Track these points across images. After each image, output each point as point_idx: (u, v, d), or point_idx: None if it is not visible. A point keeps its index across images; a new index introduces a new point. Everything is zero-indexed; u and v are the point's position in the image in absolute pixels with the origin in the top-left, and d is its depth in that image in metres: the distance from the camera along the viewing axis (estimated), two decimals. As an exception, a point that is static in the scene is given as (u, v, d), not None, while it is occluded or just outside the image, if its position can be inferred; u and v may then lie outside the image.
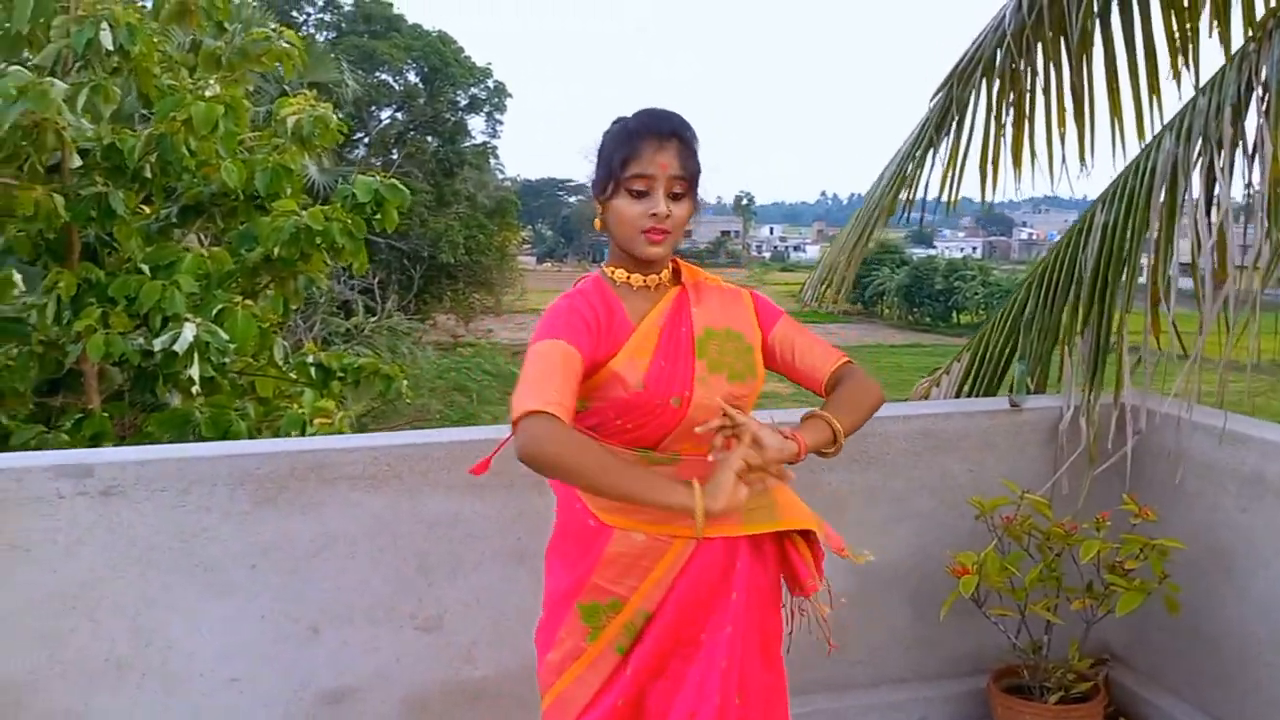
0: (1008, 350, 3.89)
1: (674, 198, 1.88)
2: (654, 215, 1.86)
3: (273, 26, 6.68)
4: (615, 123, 1.95)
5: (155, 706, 2.61)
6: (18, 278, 6.38)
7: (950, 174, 4.10)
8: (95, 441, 6.04)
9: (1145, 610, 2.83)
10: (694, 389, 1.89)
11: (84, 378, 6.20)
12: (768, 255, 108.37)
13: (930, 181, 4.14)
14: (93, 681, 2.56)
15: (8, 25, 5.29)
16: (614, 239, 1.95)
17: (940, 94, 4.14)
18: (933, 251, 69.69)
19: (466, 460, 2.68)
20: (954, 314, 53.74)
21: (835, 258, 4.43)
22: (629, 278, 1.97)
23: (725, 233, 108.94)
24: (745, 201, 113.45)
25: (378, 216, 6.39)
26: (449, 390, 17.26)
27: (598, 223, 1.96)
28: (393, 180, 6.54)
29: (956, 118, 4.03)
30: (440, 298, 26.17)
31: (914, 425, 3.16)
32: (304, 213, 5.90)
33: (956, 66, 4.11)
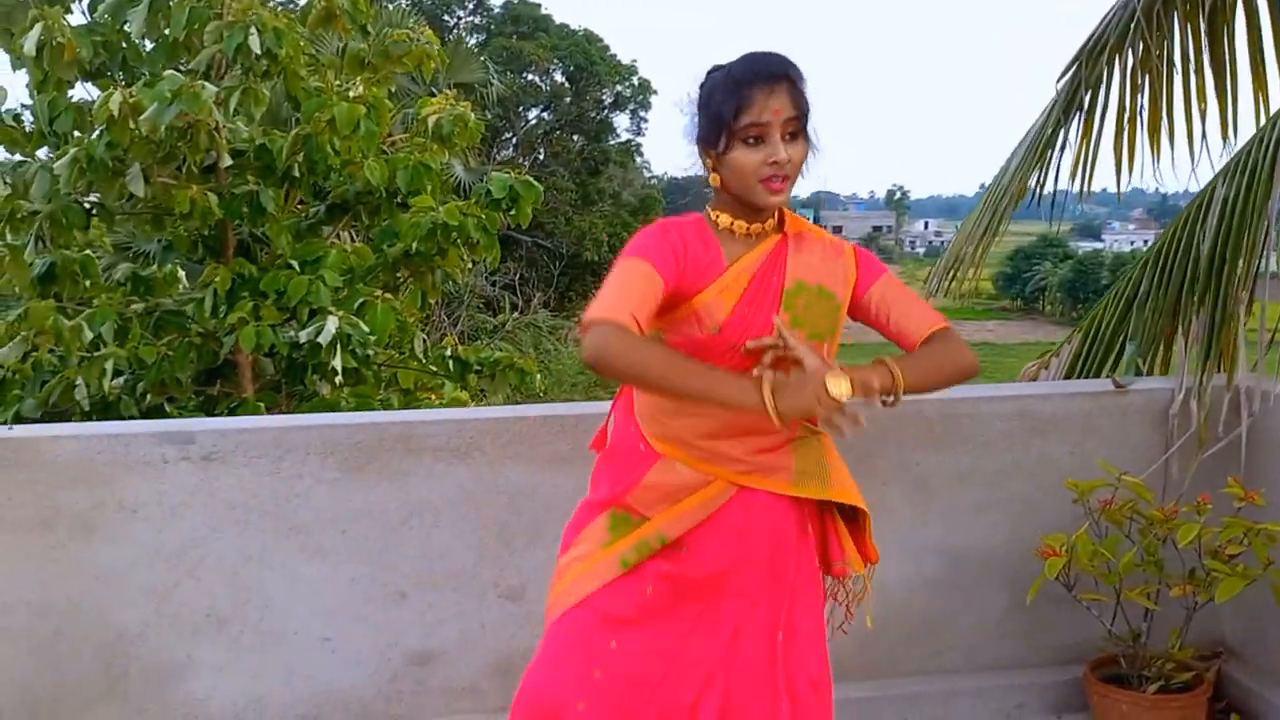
0: (1120, 331, 3.64)
1: (790, 139, 1.82)
2: (775, 163, 1.80)
3: (412, 27, 6.85)
4: (713, 71, 1.89)
5: (252, 660, 2.73)
6: (181, 273, 6.80)
7: (1082, 159, 3.85)
8: (248, 429, 6.38)
9: (1260, 602, 2.64)
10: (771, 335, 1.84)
11: (239, 368, 6.54)
12: (922, 251, 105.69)
13: (1062, 166, 3.91)
14: (195, 634, 2.69)
15: (166, 32, 5.59)
16: (729, 190, 1.88)
17: (1067, 75, 3.89)
18: (1099, 245, 66.34)
19: (544, 435, 2.79)
20: (1121, 310, 51.03)
21: (962, 247, 4.22)
22: (732, 224, 1.90)
23: (877, 228, 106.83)
24: (898, 195, 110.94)
25: (512, 212, 6.49)
26: (591, 386, 17.44)
27: (714, 178, 1.89)
28: (527, 177, 6.63)
29: (1088, 98, 3.78)
30: (585, 295, 26.54)
31: (1010, 406, 3.03)
32: (441, 209, 6.03)
33: (1084, 46, 3.86)
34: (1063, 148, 3.97)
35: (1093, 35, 3.84)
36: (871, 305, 1.97)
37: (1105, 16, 3.84)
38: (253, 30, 5.42)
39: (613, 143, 28.91)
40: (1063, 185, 4.00)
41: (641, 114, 29.76)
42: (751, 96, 1.78)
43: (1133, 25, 3.64)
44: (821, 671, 2.01)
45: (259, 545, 2.69)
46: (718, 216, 1.91)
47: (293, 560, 2.72)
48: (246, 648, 2.72)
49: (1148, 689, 2.77)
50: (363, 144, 5.96)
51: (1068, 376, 3.85)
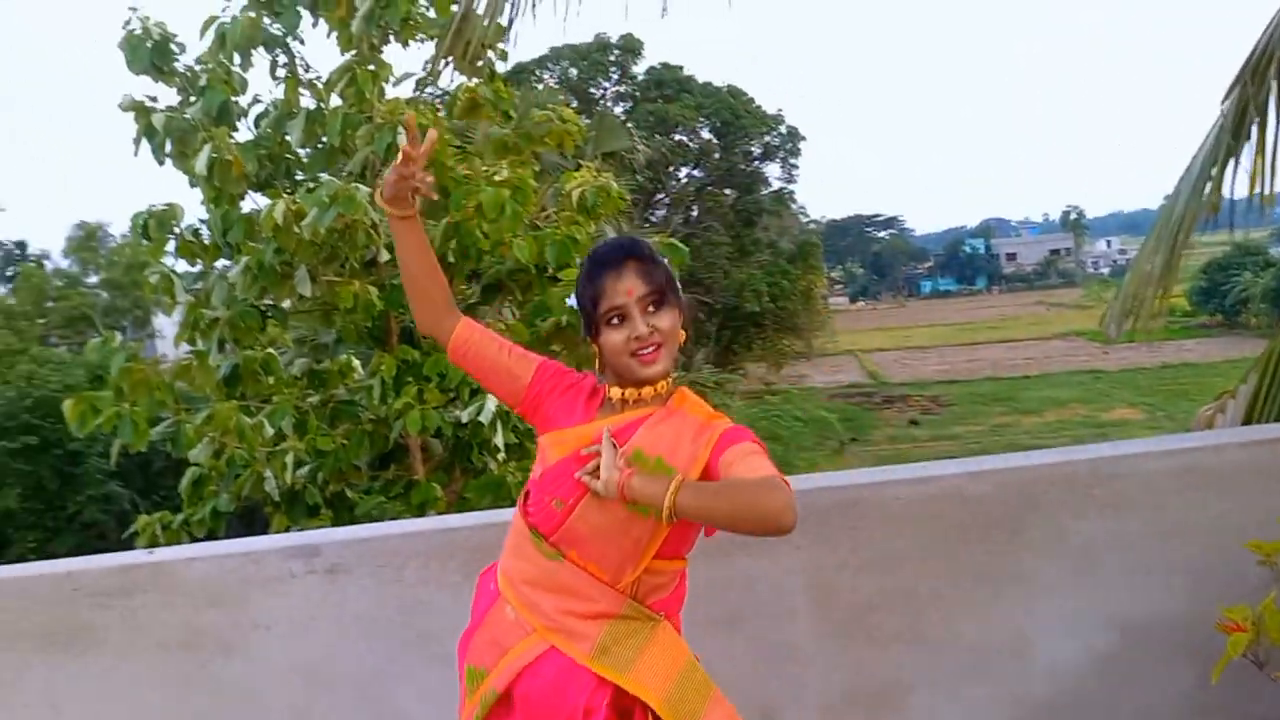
0: None
1: (651, 312, 1.89)
2: (638, 339, 1.88)
3: (553, 107, 7.04)
4: (582, 271, 2.01)
5: None
6: (356, 363, 7.15)
7: (1261, 168, 3.52)
8: (422, 509, 6.59)
9: None
10: (580, 503, 1.88)
11: (409, 450, 6.79)
12: (1106, 270, 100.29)
13: (1228, 185, 3.58)
14: None
15: (324, 140, 5.94)
16: (613, 369, 1.95)
17: (1234, 93, 3.58)
18: (1303, 247, 61.22)
19: None
20: (1336, 315, 46.78)
21: (1140, 288, 3.91)
22: (621, 393, 1.95)
23: (1054, 251, 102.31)
24: (1075, 215, 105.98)
25: (658, 276, 6.51)
26: (763, 438, 17.27)
27: (596, 362, 1.99)
28: (672, 240, 6.67)
29: (1258, 117, 3.46)
30: (749, 346, 26.44)
31: (1177, 461, 2.72)
32: (587, 280, 6.12)
33: (1248, 61, 3.55)
34: (1237, 157, 3.66)
35: (1256, 47, 3.54)
36: (720, 472, 1.88)
37: (1268, 27, 3.53)
38: (400, 129, 5.69)
39: (765, 192, 28.96)
40: (1240, 193, 3.68)
41: (792, 161, 29.76)
42: (603, 284, 1.89)
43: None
44: None
45: (387, 656, 2.69)
46: (609, 388, 1.96)
47: (422, 669, 2.70)
48: None
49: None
50: (509, 225, 6.14)
51: (1246, 421, 3.48)
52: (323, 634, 2.68)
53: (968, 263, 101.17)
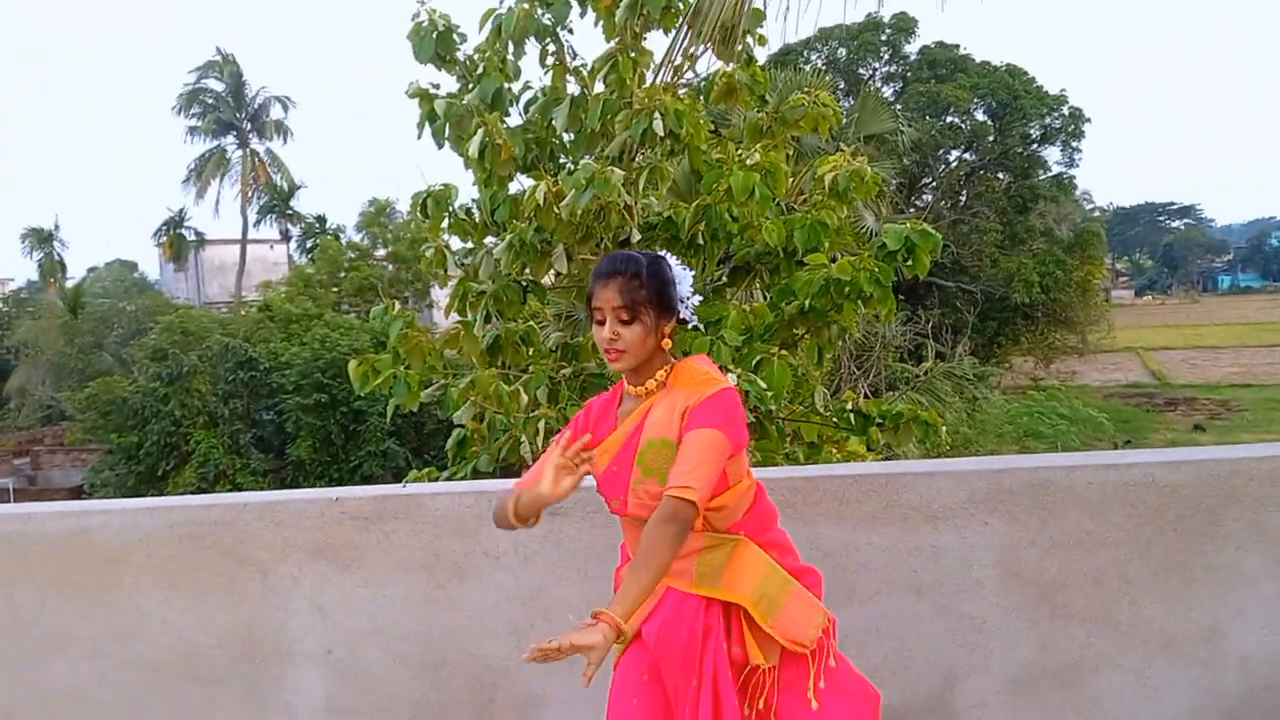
0: None
1: (622, 322, 2.31)
2: (604, 339, 2.34)
3: (809, 89, 7.01)
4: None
5: (600, 695, 2.91)
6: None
7: None
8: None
9: None
10: (628, 495, 2.34)
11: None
12: None
13: None
14: (550, 671, 2.88)
15: (585, 124, 6.22)
16: None
17: None
18: None
19: (855, 494, 2.78)
20: None
21: None
22: (628, 386, 2.44)
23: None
24: None
25: (909, 263, 6.36)
26: (1022, 436, 16.41)
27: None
28: (924, 225, 6.47)
29: None
30: (1016, 339, 25.09)
31: None
32: (833, 265, 6.08)
33: None
34: None
35: None
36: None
37: None
38: (656, 115, 5.87)
39: (1043, 177, 27.27)
40: None
41: (1074, 144, 27.84)
42: (594, 288, 2.36)
43: None
44: None
45: (598, 590, 2.92)
46: (625, 382, 2.47)
47: None
48: (595, 684, 2.92)
49: None
50: (759, 208, 6.18)
51: None
52: (541, 567, 3.02)
53: (1274, 257, 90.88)
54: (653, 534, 2.21)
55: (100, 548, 3.41)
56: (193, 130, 48.16)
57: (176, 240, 47.72)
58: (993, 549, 2.74)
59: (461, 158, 6.33)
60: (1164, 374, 43.23)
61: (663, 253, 2.50)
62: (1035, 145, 27.60)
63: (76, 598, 3.48)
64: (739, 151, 6.91)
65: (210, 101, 48.35)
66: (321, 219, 46.06)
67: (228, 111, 48.29)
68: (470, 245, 6.58)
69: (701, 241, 6.54)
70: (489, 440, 7.10)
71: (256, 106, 48.92)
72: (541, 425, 6.38)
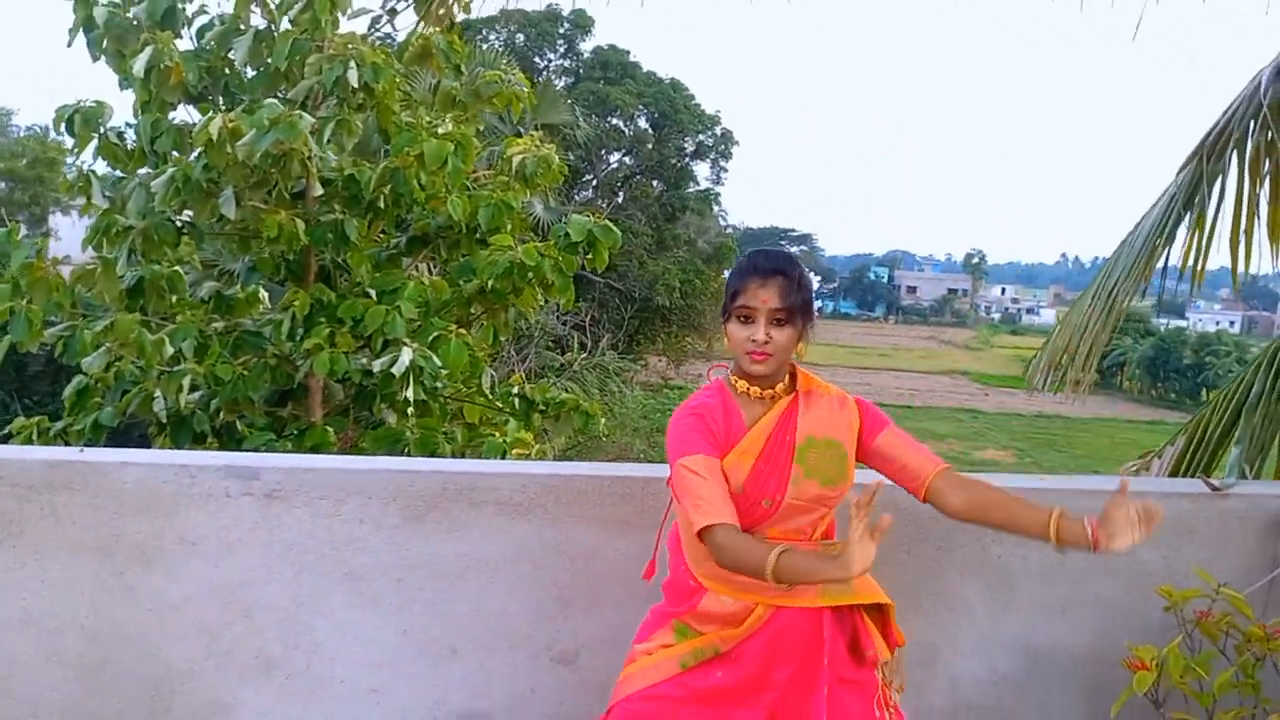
0: (1228, 435, 3.48)
1: (776, 324, 2.14)
2: (754, 340, 2.14)
3: (504, 68, 6.97)
4: (741, 256, 2.26)
5: (296, 707, 2.68)
6: (264, 295, 6.94)
7: (1195, 248, 3.71)
8: (315, 451, 6.44)
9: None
10: (785, 493, 2.16)
11: (309, 392, 6.63)
12: (997, 316, 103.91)
13: (1174, 256, 3.79)
14: (243, 676, 2.66)
15: (269, 61, 5.75)
16: (735, 357, 2.23)
17: (1189, 167, 3.77)
18: (1182, 323, 64.52)
19: (610, 495, 2.73)
20: (1203, 391, 49.46)
21: (1070, 340, 4.08)
22: (748, 388, 2.22)
23: (952, 290, 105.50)
24: (976, 259, 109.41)
25: (589, 255, 6.51)
26: (654, 431, 17.39)
27: (727, 340, 2.25)
28: (607, 222, 6.66)
29: (1205, 192, 3.66)
30: (653, 339, 26.56)
31: (1099, 502, 2.88)
32: (519, 248, 6.08)
33: (1205, 138, 3.75)
34: (1184, 240, 3.82)
35: (1215, 127, 3.72)
36: (879, 453, 2.25)
37: (1227, 110, 3.72)
38: (352, 64, 5.55)
39: (691, 190, 29.09)
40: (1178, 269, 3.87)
41: (722, 164, 29.97)
42: (747, 284, 2.15)
43: (1254, 122, 3.53)
44: None
45: (312, 588, 2.65)
46: (736, 382, 2.24)
47: (345, 606, 2.68)
48: (293, 694, 2.68)
49: (1238, 816, 2.57)
50: (448, 180, 6.05)
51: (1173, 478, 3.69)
52: (248, 559, 2.62)
53: (870, 289, 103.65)
54: (991, 486, 2.18)
55: None
56: None
57: None
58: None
59: (120, 76, 5.62)
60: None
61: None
62: (688, 159, 29.49)
63: None
64: (430, 119, 6.73)
65: None
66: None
67: None
68: (121, 175, 5.87)
69: (383, 205, 6.30)
70: (115, 391, 6.38)
71: None
72: (186, 381, 5.82)
